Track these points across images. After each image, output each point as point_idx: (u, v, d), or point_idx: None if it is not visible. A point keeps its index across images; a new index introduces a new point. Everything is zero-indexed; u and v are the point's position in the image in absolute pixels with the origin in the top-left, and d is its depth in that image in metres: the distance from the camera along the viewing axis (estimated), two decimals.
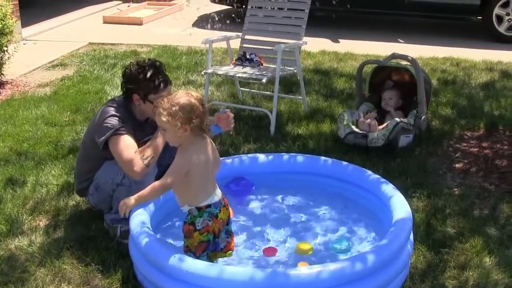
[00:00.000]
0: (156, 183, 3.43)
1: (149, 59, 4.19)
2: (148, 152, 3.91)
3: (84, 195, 4.34)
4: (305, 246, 3.85)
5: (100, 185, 4.09)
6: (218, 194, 3.49)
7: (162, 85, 4.03)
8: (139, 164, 3.86)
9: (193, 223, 3.43)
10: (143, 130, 4.16)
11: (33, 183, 4.82)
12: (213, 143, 3.52)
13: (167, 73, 4.14)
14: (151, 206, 3.90)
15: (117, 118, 3.97)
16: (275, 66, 5.98)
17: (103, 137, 3.93)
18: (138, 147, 3.95)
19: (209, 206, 3.43)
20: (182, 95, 3.31)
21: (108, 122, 3.95)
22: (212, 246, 3.49)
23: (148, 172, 3.92)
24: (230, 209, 3.64)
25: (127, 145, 3.91)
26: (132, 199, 3.44)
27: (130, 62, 4.17)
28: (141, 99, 4.04)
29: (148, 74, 4.00)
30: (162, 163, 4.18)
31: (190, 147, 3.35)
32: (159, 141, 3.96)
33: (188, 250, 3.47)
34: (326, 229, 4.10)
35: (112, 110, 4.02)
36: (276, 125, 5.87)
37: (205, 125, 3.36)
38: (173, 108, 3.25)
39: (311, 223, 4.18)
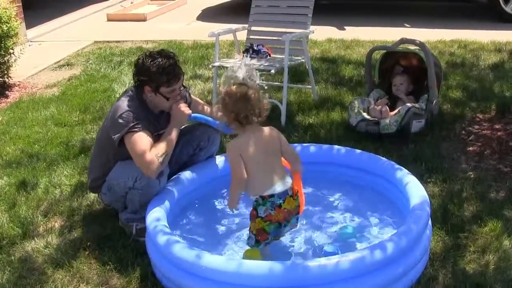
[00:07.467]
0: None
1: (162, 50, 4.07)
2: (162, 149, 3.86)
3: (96, 192, 4.32)
4: (251, 253, 3.62)
5: (113, 187, 4.05)
6: (283, 184, 3.52)
7: (174, 78, 3.95)
8: (155, 162, 3.81)
9: (256, 209, 3.52)
10: (158, 123, 4.09)
11: (46, 184, 4.81)
12: (274, 134, 3.63)
13: (179, 65, 4.04)
14: (167, 203, 3.89)
15: (131, 114, 3.88)
16: (283, 56, 5.93)
17: (118, 134, 3.86)
18: (153, 141, 3.90)
19: (272, 196, 3.48)
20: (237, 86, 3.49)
21: (123, 118, 3.86)
22: (274, 233, 3.56)
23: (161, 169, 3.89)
24: (301, 199, 3.70)
25: (142, 143, 3.83)
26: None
27: (143, 52, 4.08)
28: (153, 91, 3.95)
29: (161, 67, 3.89)
30: (178, 161, 4.15)
31: (240, 135, 3.58)
32: (173, 136, 3.94)
33: (251, 233, 3.59)
34: (341, 218, 4.09)
35: (126, 105, 3.93)
36: (286, 115, 5.84)
37: (248, 116, 3.48)
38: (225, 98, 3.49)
39: (326, 212, 4.16)
